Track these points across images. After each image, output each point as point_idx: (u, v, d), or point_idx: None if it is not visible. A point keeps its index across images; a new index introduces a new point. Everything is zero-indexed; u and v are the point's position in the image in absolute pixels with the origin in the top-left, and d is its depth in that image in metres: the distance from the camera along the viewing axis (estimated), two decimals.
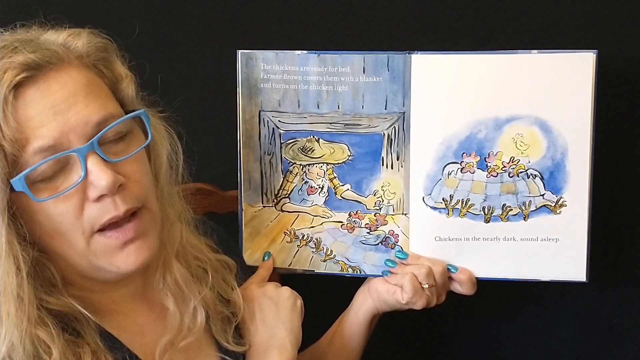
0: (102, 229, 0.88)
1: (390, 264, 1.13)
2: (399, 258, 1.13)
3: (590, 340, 1.30)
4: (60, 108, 0.86)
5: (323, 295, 1.15)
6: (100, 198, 0.87)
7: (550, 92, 1.07)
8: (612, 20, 1.18)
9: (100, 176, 0.86)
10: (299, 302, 1.07)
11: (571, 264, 1.10)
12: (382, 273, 1.14)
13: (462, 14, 1.21)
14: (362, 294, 1.17)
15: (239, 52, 1.11)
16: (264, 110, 1.12)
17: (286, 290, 1.07)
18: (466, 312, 1.29)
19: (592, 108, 1.06)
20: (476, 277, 1.12)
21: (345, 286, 1.16)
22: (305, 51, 1.10)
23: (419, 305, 1.11)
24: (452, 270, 1.11)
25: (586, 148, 1.07)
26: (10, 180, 0.85)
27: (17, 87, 0.84)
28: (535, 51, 1.07)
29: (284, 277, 1.17)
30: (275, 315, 1.05)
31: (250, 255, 1.17)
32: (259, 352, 1.02)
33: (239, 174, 1.14)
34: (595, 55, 1.05)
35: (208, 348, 1.01)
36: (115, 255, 0.89)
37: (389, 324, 1.21)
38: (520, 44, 1.11)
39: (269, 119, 1.13)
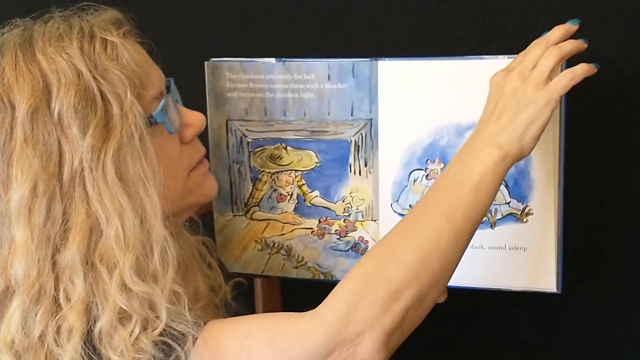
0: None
1: None
2: None
3: (591, 340, 1.29)
4: (149, 61, 0.95)
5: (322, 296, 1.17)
6: (192, 139, 0.99)
7: None
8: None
9: (195, 115, 1.00)
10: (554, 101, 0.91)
11: (540, 273, 1.07)
12: None
13: (431, 21, 1.20)
14: None
15: (206, 62, 1.12)
16: (231, 120, 1.13)
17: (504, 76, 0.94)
18: (465, 312, 1.28)
19: (557, 115, 1.03)
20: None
21: None
22: (270, 59, 1.10)
23: None
24: None
25: (550, 155, 1.04)
26: (154, 113, 0.92)
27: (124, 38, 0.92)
28: (502, 56, 1.03)
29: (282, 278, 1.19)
30: (512, 110, 0.92)
31: (224, 263, 1.18)
32: (471, 147, 0.93)
33: None
34: None
35: None
36: (203, 184, 1.01)
37: None
38: (493, 50, 1.09)
39: (236, 128, 1.13)
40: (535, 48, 0.94)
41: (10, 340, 0.87)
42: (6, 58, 0.89)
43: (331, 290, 1.16)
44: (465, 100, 1.06)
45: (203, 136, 1.13)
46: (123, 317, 0.87)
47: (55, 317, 0.86)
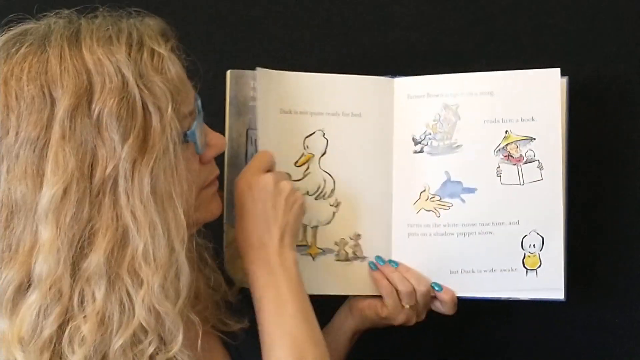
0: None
1: (379, 261, 1.14)
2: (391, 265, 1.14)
3: (593, 341, 1.31)
4: (186, 77, 0.93)
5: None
6: (211, 160, 0.99)
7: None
8: (580, 40, 1.25)
9: (217, 137, 1.00)
10: (284, 185, 1.02)
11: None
12: (368, 264, 1.14)
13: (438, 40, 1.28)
14: (343, 312, 1.18)
15: (229, 71, 1.14)
16: (252, 129, 1.14)
17: (264, 178, 1.02)
18: (466, 313, 1.28)
19: (563, 126, 1.11)
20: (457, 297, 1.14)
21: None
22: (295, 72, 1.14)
23: (398, 321, 1.13)
24: (437, 288, 1.13)
25: (558, 163, 1.10)
26: (188, 132, 0.92)
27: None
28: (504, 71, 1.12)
29: None
30: (251, 209, 1.01)
31: (232, 277, 1.15)
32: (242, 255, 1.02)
33: (224, 194, 1.13)
34: (562, 73, 1.10)
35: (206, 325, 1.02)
36: (211, 203, 1.00)
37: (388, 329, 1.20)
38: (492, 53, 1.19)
39: (256, 137, 1.14)
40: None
41: (22, 335, 0.85)
42: (52, 49, 0.87)
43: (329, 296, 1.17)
44: None
45: None
46: (140, 334, 0.86)
47: (70, 321, 0.85)
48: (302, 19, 1.28)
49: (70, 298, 0.85)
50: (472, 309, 1.16)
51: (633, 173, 1.26)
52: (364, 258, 1.14)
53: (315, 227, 1.14)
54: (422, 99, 1.14)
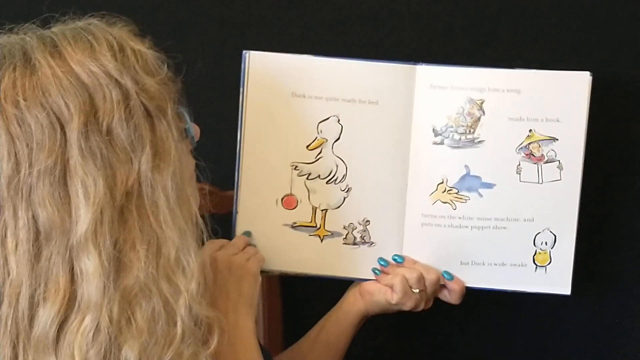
0: None
1: (382, 263, 1.14)
2: (395, 261, 1.14)
3: (592, 341, 1.33)
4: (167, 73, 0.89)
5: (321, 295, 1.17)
6: None
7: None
8: (602, 42, 1.23)
9: (197, 129, 0.93)
10: (232, 260, 1.04)
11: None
12: (372, 271, 1.14)
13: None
14: (352, 295, 1.17)
15: (245, 52, 1.08)
16: None
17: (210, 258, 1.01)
18: (467, 313, 1.31)
19: (585, 127, 1.09)
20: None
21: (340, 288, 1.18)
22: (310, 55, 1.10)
23: (407, 306, 1.13)
24: (447, 277, 1.13)
25: (578, 165, 1.09)
26: (186, 127, 0.89)
27: None
28: (533, 70, 1.09)
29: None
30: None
31: None
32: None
33: (236, 176, 1.11)
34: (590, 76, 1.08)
35: None
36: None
37: (389, 326, 1.23)
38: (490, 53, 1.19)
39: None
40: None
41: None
42: (40, 67, 0.80)
43: (330, 286, 1.17)
44: None
45: (232, 125, 1.11)
46: (183, 339, 0.86)
47: (118, 340, 0.83)
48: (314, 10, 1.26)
49: (116, 318, 0.83)
50: (474, 306, 1.18)
51: (635, 166, 1.27)
52: (371, 243, 1.14)
53: (324, 210, 1.13)
54: (445, 90, 1.10)
